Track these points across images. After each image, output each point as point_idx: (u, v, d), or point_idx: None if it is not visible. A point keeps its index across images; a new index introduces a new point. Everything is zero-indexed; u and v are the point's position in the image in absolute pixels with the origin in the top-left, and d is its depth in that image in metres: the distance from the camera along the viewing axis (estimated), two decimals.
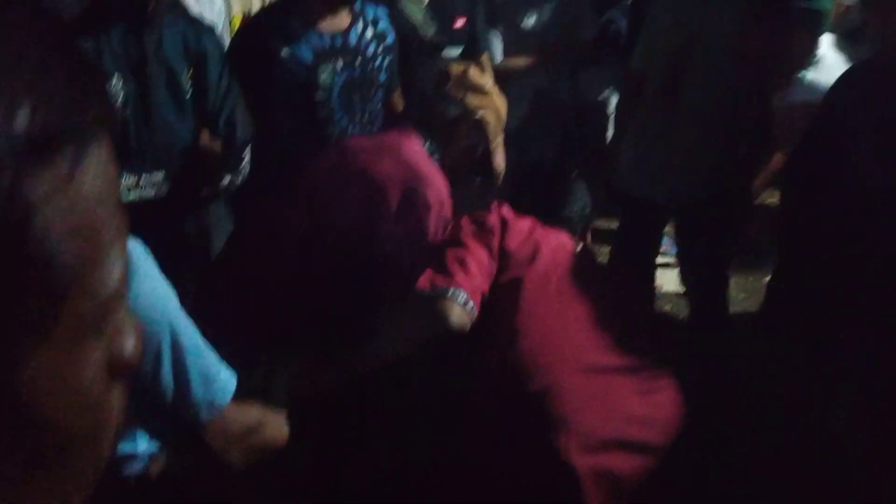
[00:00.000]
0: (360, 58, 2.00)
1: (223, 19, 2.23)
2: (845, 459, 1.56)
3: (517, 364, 1.44)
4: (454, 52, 2.56)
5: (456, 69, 1.82)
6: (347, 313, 1.63)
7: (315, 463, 1.52)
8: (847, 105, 1.75)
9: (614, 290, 1.70)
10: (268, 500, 1.37)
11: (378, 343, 1.50)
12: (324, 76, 1.94)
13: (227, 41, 2.15)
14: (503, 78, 2.58)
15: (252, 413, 1.08)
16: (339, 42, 1.97)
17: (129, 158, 1.72)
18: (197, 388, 0.97)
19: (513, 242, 1.61)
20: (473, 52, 2.58)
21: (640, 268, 2.64)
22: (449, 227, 1.69)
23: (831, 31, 2.17)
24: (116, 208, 0.34)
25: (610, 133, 3.11)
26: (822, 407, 1.63)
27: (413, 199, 1.62)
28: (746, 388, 2.09)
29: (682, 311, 2.89)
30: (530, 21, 2.68)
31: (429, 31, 2.26)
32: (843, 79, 1.82)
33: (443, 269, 1.53)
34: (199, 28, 1.88)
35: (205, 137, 1.83)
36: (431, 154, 1.74)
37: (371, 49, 2.03)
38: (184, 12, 1.88)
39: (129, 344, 0.36)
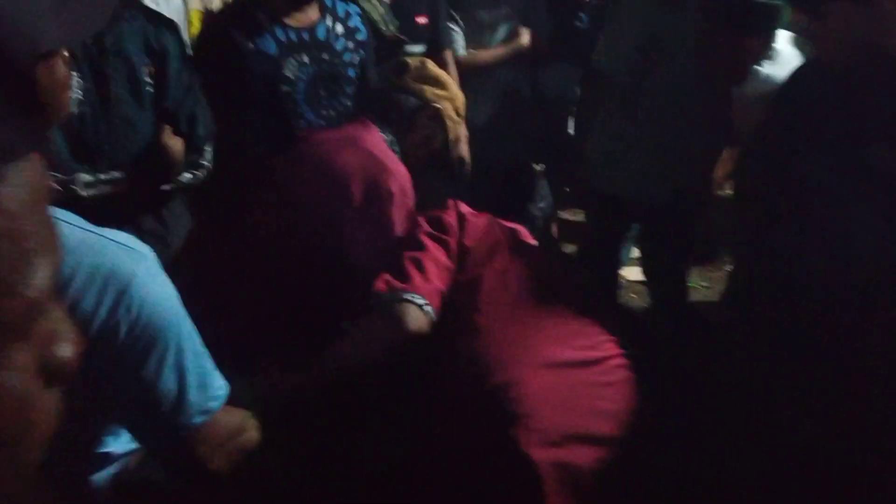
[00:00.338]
0: (327, 53, 2.00)
1: (181, 15, 2.20)
2: (812, 456, 1.60)
3: (476, 361, 1.45)
4: (417, 49, 2.57)
5: (414, 62, 1.84)
6: (317, 311, 1.63)
7: (280, 463, 1.51)
8: (796, 101, 1.80)
9: (575, 284, 1.72)
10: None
11: (340, 350, 1.51)
12: (288, 69, 1.94)
13: (185, 36, 2.12)
14: (466, 73, 2.61)
15: (235, 417, 1.08)
16: (305, 36, 1.98)
17: (87, 155, 1.71)
18: (193, 392, 0.96)
19: (471, 240, 1.62)
20: (436, 49, 2.59)
21: (607, 261, 2.68)
22: (409, 224, 1.69)
23: (789, 27, 2.22)
24: (44, 220, 0.35)
25: (571, 129, 3.14)
26: (790, 405, 1.66)
27: (376, 190, 1.63)
28: (709, 380, 2.12)
29: (648, 300, 2.93)
30: (489, 16, 2.71)
31: (389, 28, 2.26)
32: (795, 75, 1.87)
33: (400, 273, 1.54)
34: (160, 24, 1.86)
35: (166, 134, 1.82)
36: (391, 146, 1.75)
37: (340, 44, 2.04)
38: (143, 8, 1.86)
39: (65, 350, 0.36)
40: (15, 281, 0.33)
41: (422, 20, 2.56)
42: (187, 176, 1.86)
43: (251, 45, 1.91)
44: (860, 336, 1.51)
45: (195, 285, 1.66)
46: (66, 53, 0.54)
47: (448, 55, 2.64)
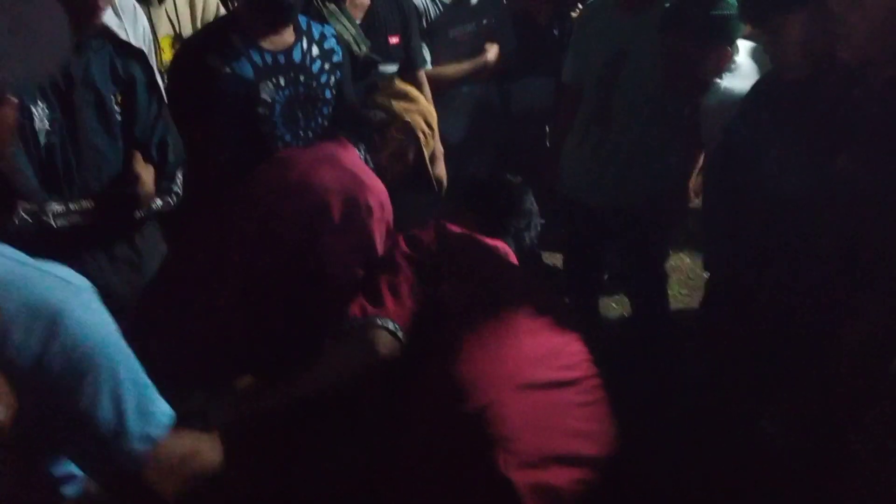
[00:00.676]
0: (303, 75, 2.02)
1: (149, 42, 2.20)
2: (777, 462, 1.61)
3: (454, 383, 1.45)
4: (390, 69, 2.58)
5: (383, 82, 1.87)
6: (293, 327, 1.62)
7: (254, 484, 1.50)
8: (759, 112, 1.83)
9: (553, 299, 1.72)
10: None
11: (311, 373, 1.51)
12: (265, 92, 1.96)
13: (154, 63, 2.12)
14: (433, 87, 2.63)
15: (186, 441, 1.08)
16: (281, 59, 1.99)
17: (56, 185, 1.70)
18: (133, 421, 0.96)
19: (449, 260, 1.62)
20: (410, 68, 2.61)
21: (587, 272, 2.69)
22: (387, 244, 1.69)
23: (750, 38, 2.26)
24: None
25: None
26: (755, 409, 1.67)
27: (354, 206, 1.64)
28: (686, 389, 2.13)
29: (628, 308, 2.94)
30: (459, 33, 2.74)
31: (362, 48, 2.27)
32: (756, 86, 1.90)
33: (374, 295, 1.55)
34: (128, 52, 1.88)
35: (137, 161, 1.82)
36: (367, 163, 1.76)
37: (316, 66, 2.06)
38: (111, 37, 1.86)
39: None
40: None
41: (394, 40, 2.58)
42: (159, 202, 1.86)
43: (227, 70, 1.92)
44: (824, 341, 1.52)
45: (171, 305, 1.66)
46: (13, 99, 0.54)
47: (421, 74, 2.66)
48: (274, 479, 1.54)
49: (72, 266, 1.95)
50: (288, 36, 2.01)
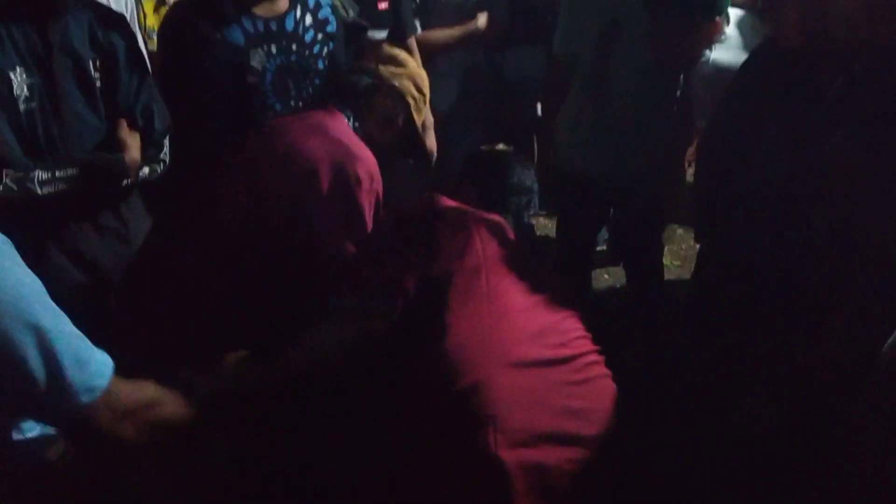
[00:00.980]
0: (295, 44, 1.99)
1: (131, 8, 2.15)
2: (762, 446, 1.61)
3: (445, 361, 1.44)
4: (380, 35, 2.54)
5: (371, 46, 1.82)
6: (283, 300, 1.60)
7: (240, 458, 1.50)
8: (753, 85, 1.81)
9: (549, 276, 1.70)
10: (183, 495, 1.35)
11: (299, 352, 1.47)
12: (255, 60, 1.93)
13: (136, 30, 2.08)
14: (426, 54, 2.59)
15: (144, 390, 1.10)
16: (273, 27, 1.96)
17: (39, 153, 1.68)
18: (72, 373, 0.98)
19: (442, 235, 1.59)
20: (400, 35, 2.57)
21: (581, 245, 2.69)
22: (376, 214, 1.66)
23: (741, 6, 2.23)
24: None
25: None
26: (741, 392, 1.68)
27: (343, 176, 1.62)
28: (677, 363, 2.13)
29: (620, 279, 2.94)
30: None
31: (349, 14, 2.22)
32: (750, 59, 1.88)
33: (364, 274, 1.53)
34: (107, 17, 1.84)
35: (122, 128, 1.80)
36: (355, 130, 1.73)
37: (309, 36, 2.03)
38: (89, 2, 1.81)
39: None
40: None
41: (383, 5, 2.54)
42: (145, 170, 1.83)
43: (218, 35, 1.89)
44: (815, 319, 1.52)
45: (157, 278, 1.64)
46: None
47: (412, 41, 2.62)
48: (260, 458, 1.53)
49: (58, 236, 1.93)
50: (282, 3, 1.98)
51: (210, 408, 1.21)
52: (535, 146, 2.96)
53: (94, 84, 1.76)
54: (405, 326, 1.50)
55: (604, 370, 1.57)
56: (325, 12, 2.08)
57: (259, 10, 1.94)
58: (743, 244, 1.78)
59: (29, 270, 0.99)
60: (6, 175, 1.59)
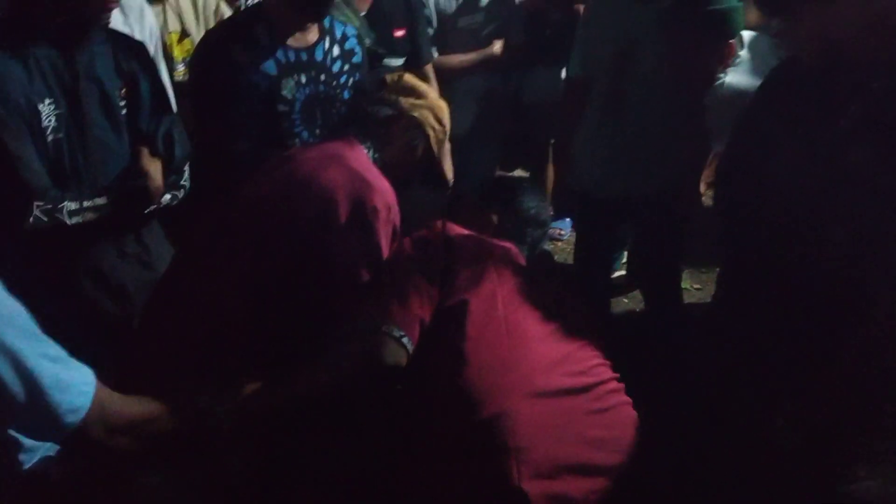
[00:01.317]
0: (324, 74, 2.04)
1: (155, 38, 2.21)
2: (783, 459, 1.59)
3: (465, 392, 1.45)
4: (396, 62, 2.58)
5: (391, 77, 1.85)
6: (297, 328, 1.61)
7: (261, 486, 1.50)
8: (773, 103, 1.81)
9: (566, 304, 1.70)
10: None
11: (312, 377, 1.49)
12: (286, 89, 1.98)
13: (160, 60, 2.13)
14: (442, 78, 2.62)
15: (141, 406, 1.14)
16: (304, 57, 2.02)
17: (65, 181, 1.72)
18: (54, 394, 1.02)
19: (457, 263, 1.60)
20: (417, 62, 2.60)
21: (599, 267, 2.68)
22: (393, 245, 1.67)
23: (754, 29, 2.24)
24: None
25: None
26: (763, 407, 1.66)
27: (360, 207, 1.64)
28: (697, 385, 2.11)
29: (639, 304, 2.93)
30: (468, 22, 2.74)
31: (365, 41, 2.26)
32: (767, 81, 1.89)
33: (379, 300, 1.54)
34: (130, 45, 1.90)
35: (145, 156, 1.84)
36: (374, 160, 1.75)
37: (337, 66, 2.08)
38: (110, 31, 1.88)
39: None
40: None
41: (399, 33, 2.58)
42: (167, 197, 1.87)
43: (251, 64, 1.94)
44: (837, 334, 1.51)
45: (178, 304, 1.66)
46: None
47: (429, 69, 2.66)
48: (277, 484, 1.54)
49: (84, 263, 1.96)
50: (312, 34, 2.03)
51: (226, 430, 1.22)
52: (551, 168, 2.98)
53: (119, 111, 1.81)
54: (422, 355, 1.50)
55: (624, 398, 1.57)
56: (352, 43, 2.13)
57: (291, 41, 1.99)
58: (764, 264, 1.77)
59: (6, 294, 1.02)
60: (36, 206, 1.63)
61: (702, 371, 2.09)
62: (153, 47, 2.13)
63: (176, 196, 1.88)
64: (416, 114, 1.82)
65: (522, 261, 1.77)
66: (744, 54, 2.19)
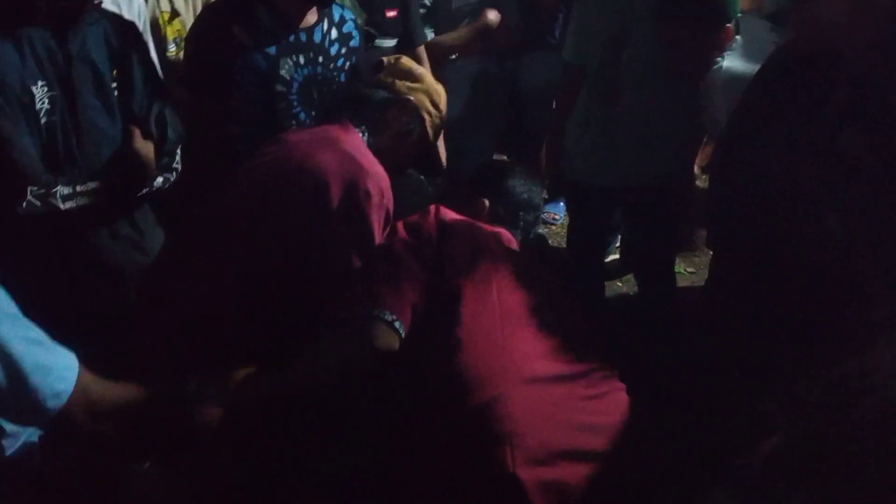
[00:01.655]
0: (322, 56, 2.04)
1: (143, 17, 2.19)
2: (775, 444, 1.61)
3: (459, 377, 1.46)
4: (388, 43, 2.56)
5: (387, 59, 1.84)
6: (290, 313, 1.62)
7: (253, 478, 1.51)
8: (771, 88, 1.82)
9: (558, 290, 1.71)
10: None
11: (306, 365, 1.49)
12: (284, 69, 1.98)
13: (149, 40, 2.11)
14: (436, 59, 2.60)
15: (126, 391, 1.14)
16: (303, 37, 2.01)
17: (59, 165, 1.72)
18: (35, 378, 1.03)
19: (451, 248, 1.61)
20: (409, 44, 2.59)
21: (592, 253, 2.69)
22: (386, 230, 1.67)
23: (757, 13, 2.24)
24: None
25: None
26: (756, 392, 1.68)
27: (353, 191, 1.64)
28: (690, 369, 2.13)
29: (632, 288, 2.95)
30: (459, 2, 2.72)
31: (357, 21, 2.25)
32: (767, 63, 1.89)
33: (371, 285, 1.54)
34: (121, 26, 1.88)
35: (136, 138, 1.83)
36: (368, 144, 1.74)
37: (334, 49, 2.08)
38: (103, 12, 1.86)
39: None
40: None
41: (391, 14, 2.56)
42: (159, 180, 1.87)
43: (251, 43, 1.94)
44: (828, 324, 1.53)
45: (169, 289, 1.66)
46: None
47: (421, 51, 2.64)
48: (270, 476, 1.55)
49: (78, 246, 1.97)
50: (311, 15, 2.03)
51: (215, 419, 1.22)
52: (544, 153, 2.97)
53: (112, 93, 1.80)
54: (416, 340, 1.51)
55: (618, 383, 1.59)
56: (349, 27, 2.13)
57: (290, 21, 1.98)
58: (757, 249, 1.78)
59: None
60: (29, 191, 1.63)
61: (695, 355, 2.12)
62: (140, 26, 2.11)
63: (168, 178, 1.88)
64: (412, 98, 1.81)
65: (516, 246, 1.78)
66: (738, 38, 2.19)
